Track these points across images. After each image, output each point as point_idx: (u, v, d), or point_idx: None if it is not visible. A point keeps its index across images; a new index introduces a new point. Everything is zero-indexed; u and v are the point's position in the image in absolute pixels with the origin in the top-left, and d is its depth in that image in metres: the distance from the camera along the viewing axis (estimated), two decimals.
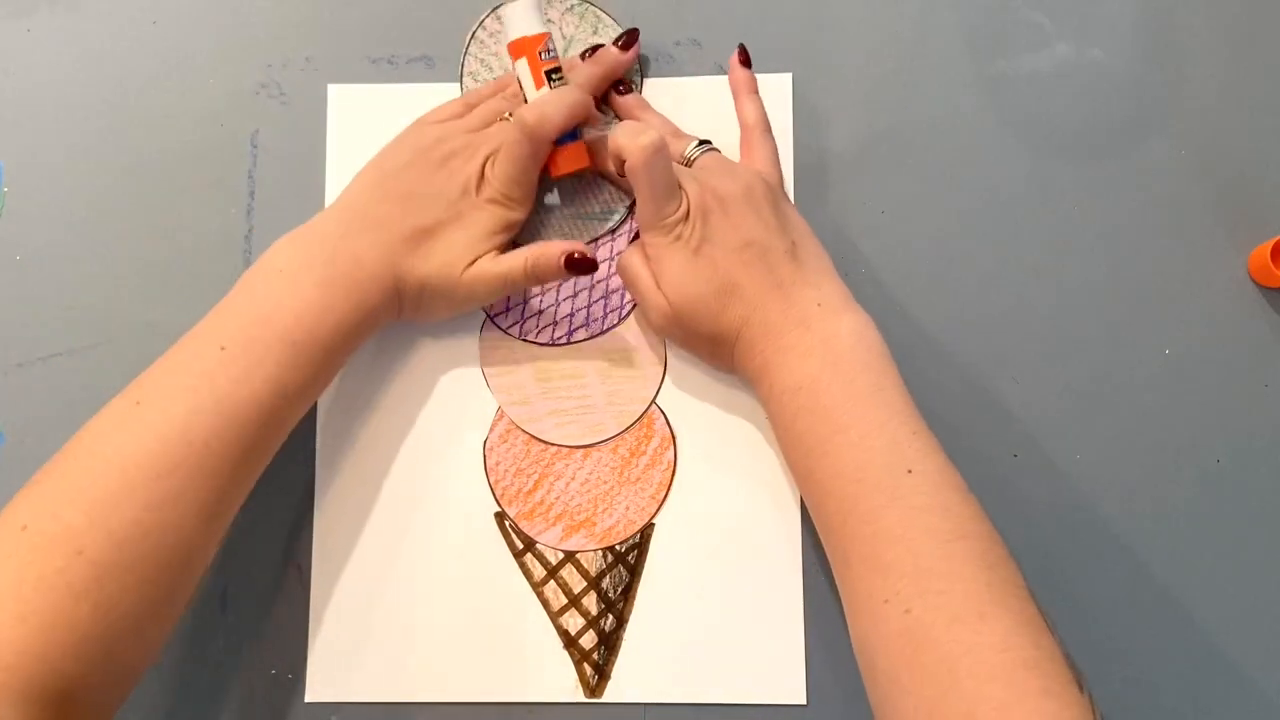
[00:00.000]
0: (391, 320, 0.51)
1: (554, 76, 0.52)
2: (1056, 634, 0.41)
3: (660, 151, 0.48)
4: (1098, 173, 0.55)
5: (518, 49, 0.52)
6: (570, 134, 0.52)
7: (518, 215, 0.52)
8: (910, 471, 0.43)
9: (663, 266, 0.49)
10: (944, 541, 0.42)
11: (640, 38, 0.55)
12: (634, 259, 0.51)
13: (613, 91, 0.55)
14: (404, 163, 0.51)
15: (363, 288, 0.48)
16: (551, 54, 0.52)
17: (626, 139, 0.48)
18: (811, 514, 0.47)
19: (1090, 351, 0.54)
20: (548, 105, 0.50)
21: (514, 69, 0.53)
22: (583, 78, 0.53)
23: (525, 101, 0.53)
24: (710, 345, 0.50)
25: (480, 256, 0.50)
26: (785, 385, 0.47)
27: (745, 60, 0.55)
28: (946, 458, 0.45)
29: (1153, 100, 0.56)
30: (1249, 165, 0.55)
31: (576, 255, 0.50)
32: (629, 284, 0.52)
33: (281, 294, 0.47)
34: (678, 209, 0.49)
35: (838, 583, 0.45)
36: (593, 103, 0.53)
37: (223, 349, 0.45)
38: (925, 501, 0.43)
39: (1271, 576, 0.52)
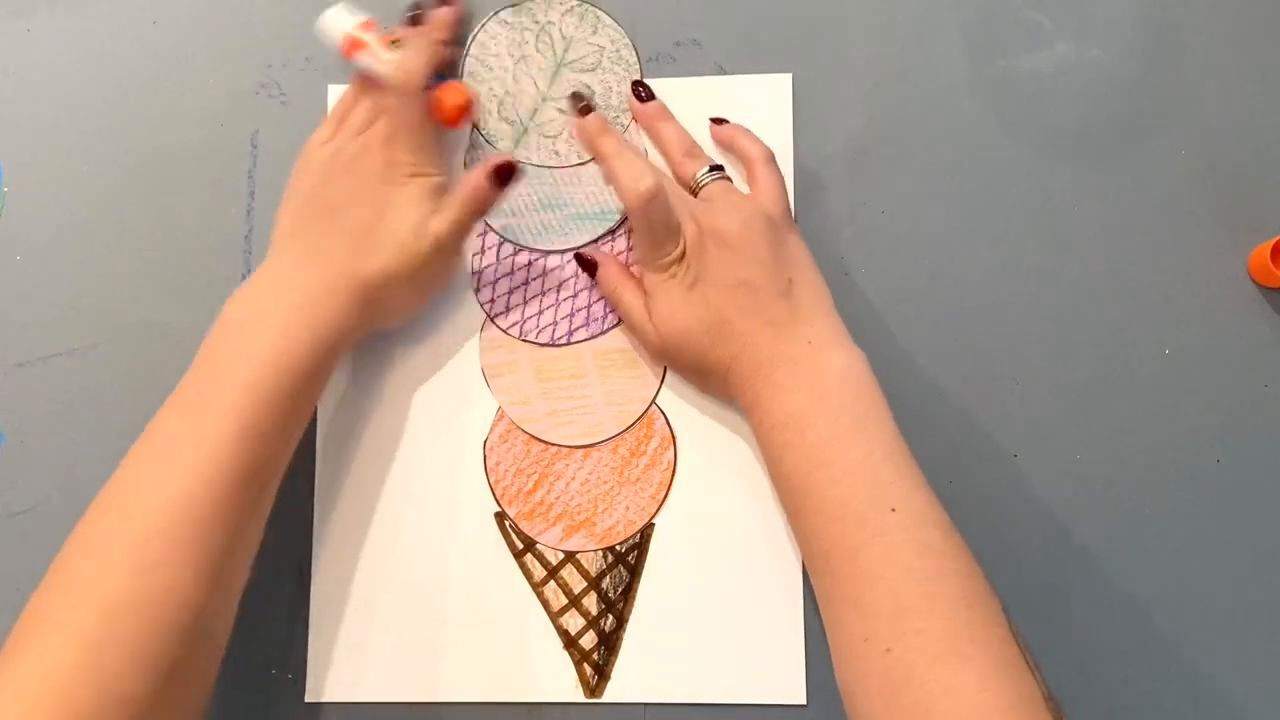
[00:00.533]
0: (366, 333, 0.51)
1: (395, 46, 0.53)
2: (1038, 673, 0.40)
3: (656, 199, 0.48)
4: (1098, 173, 0.55)
5: (350, 46, 0.53)
6: (438, 79, 0.52)
7: (440, 178, 0.52)
8: (893, 510, 0.43)
9: (656, 301, 0.50)
10: (923, 580, 0.41)
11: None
12: (625, 290, 0.52)
13: (633, 98, 0.55)
14: (314, 184, 0.51)
15: (319, 311, 0.47)
16: (383, 31, 0.53)
17: (627, 181, 0.49)
18: (800, 551, 0.48)
19: (1090, 351, 0.54)
20: (405, 59, 0.51)
21: (359, 66, 0.53)
22: (423, 39, 0.53)
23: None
24: (699, 378, 0.51)
25: (426, 225, 0.50)
26: (773, 420, 0.47)
27: (719, 120, 0.55)
28: (931, 494, 0.44)
29: (1153, 100, 0.56)
30: (1249, 165, 0.55)
31: (498, 167, 0.51)
32: (621, 314, 0.53)
33: (239, 344, 0.46)
34: (674, 249, 0.49)
35: (823, 621, 0.45)
36: (443, 47, 0.54)
37: (183, 413, 0.45)
38: (906, 539, 0.42)
39: (1272, 576, 0.51)
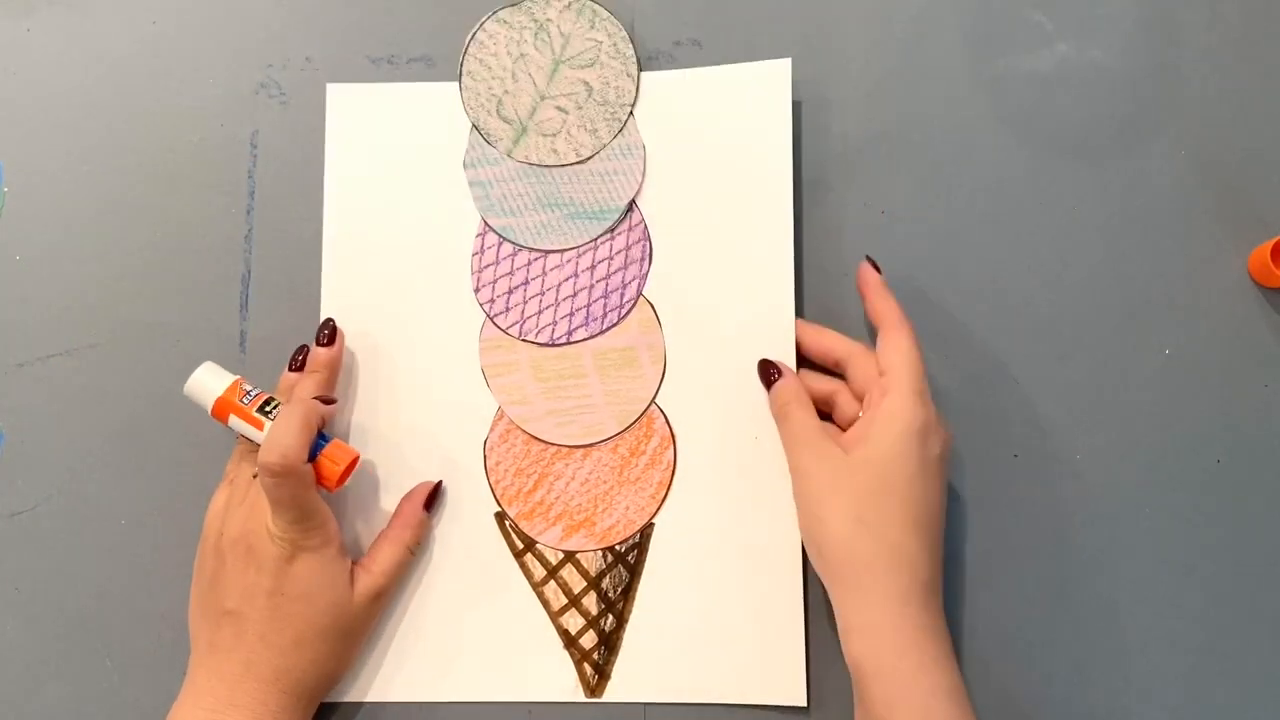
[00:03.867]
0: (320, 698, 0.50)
1: (269, 409, 0.50)
2: None
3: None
4: (1098, 173, 0.55)
5: (220, 411, 0.50)
6: (321, 439, 0.49)
7: (328, 532, 0.49)
8: None
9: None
10: None
11: (337, 331, 0.53)
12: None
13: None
14: (209, 579, 0.49)
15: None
16: (253, 392, 0.50)
17: None
18: None
19: (1090, 351, 0.54)
20: (279, 436, 0.47)
21: (234, 430, 0.50)
22: (297, 408, 0.49)
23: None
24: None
25: (353, 587, 0.49)
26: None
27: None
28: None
29: (1153, 100, 0.56)
30: (1249, 165, 0.55)
31: (431, 493, 0.52)
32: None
33: None
34: None
35: None
36: (319, 404, 0.50)
37: None
38: None
39: (1272, 576, 0.51)
